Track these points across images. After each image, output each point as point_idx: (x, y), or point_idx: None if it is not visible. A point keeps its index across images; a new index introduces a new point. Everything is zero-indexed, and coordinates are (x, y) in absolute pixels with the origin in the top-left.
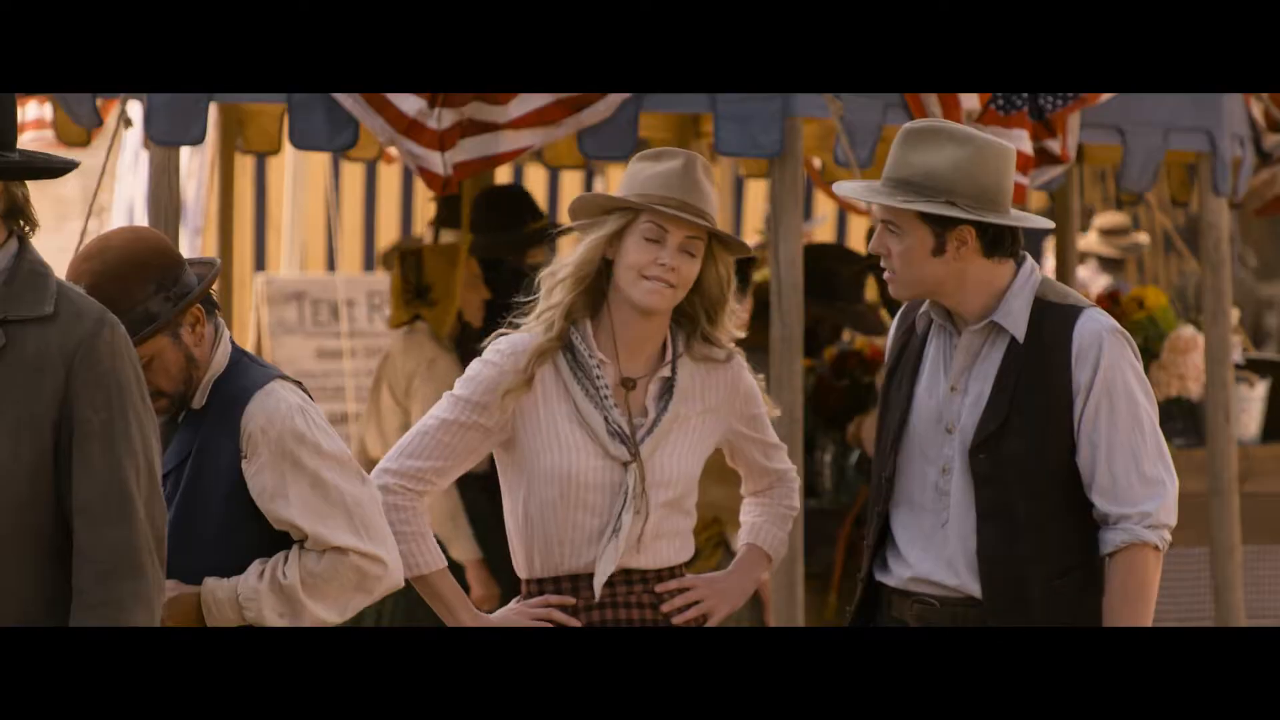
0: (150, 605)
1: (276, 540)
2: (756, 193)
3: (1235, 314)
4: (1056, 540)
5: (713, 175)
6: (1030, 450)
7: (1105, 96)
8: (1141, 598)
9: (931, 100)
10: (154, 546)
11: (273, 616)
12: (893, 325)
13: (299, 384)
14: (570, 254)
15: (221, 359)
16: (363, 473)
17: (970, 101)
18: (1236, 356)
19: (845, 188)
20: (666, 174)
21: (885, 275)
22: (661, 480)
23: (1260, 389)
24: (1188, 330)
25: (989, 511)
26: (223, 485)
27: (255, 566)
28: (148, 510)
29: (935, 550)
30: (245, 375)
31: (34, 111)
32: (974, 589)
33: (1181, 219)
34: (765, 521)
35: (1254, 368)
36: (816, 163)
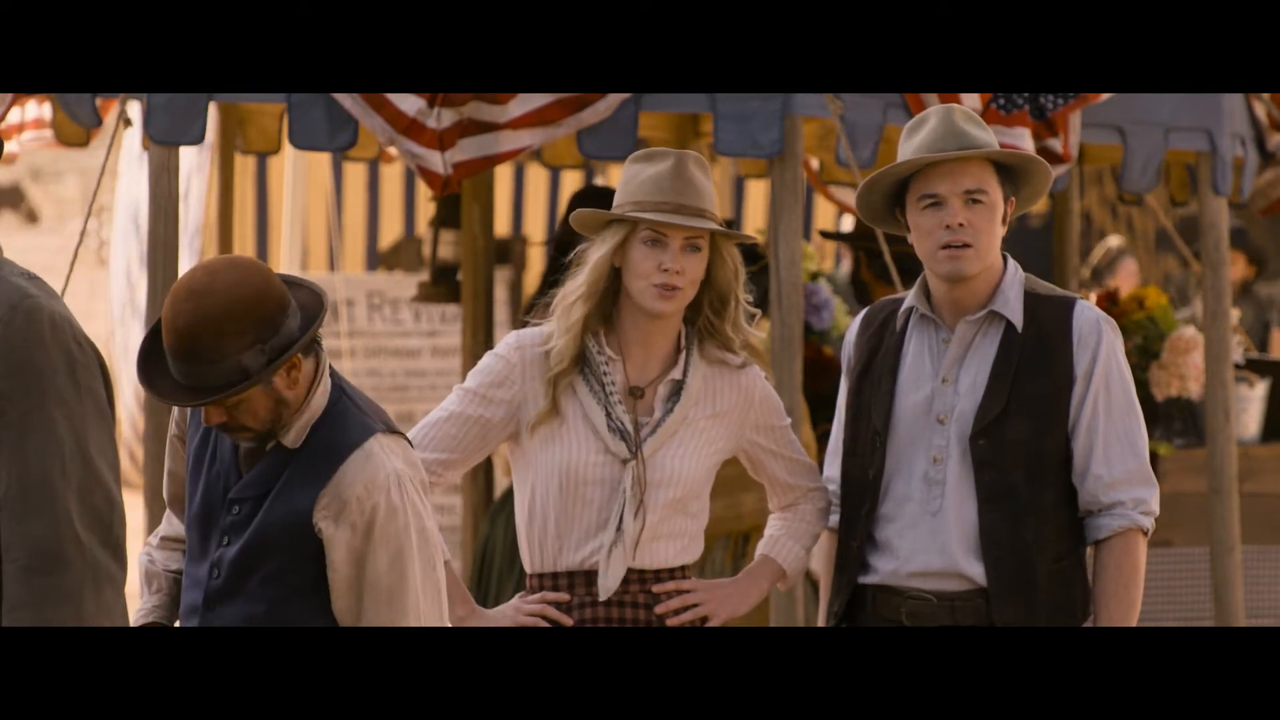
0: (76, 597)
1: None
2: (757, 193)
3: (1235, 314)
4: (1056, 524)
5: (708, 169)
6: (1031, 435)
7: (1105, 96)
8: (1135, 582)
9: (932, 100)
10: (84, 535)
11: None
12: (853, 332)
13: (402, 434)
14: (579, 274)
15: (320, 400)
16: (437, 556)
17: (971, 101)
18: (1236, 356)
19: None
20: (658, 177)
21: (960, 250)
22: (663, 480)
23: (1260, 389)
24: (1188, 330)
25: (991, 496)
26: (292, 527)
27: None
28: (80, 497)
29: (926, 539)
30: (345, 425)
31: (34, 111)
32: (970, 571)
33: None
34: (784, 535)
35: (1254, 368)
36: (815, 163)
